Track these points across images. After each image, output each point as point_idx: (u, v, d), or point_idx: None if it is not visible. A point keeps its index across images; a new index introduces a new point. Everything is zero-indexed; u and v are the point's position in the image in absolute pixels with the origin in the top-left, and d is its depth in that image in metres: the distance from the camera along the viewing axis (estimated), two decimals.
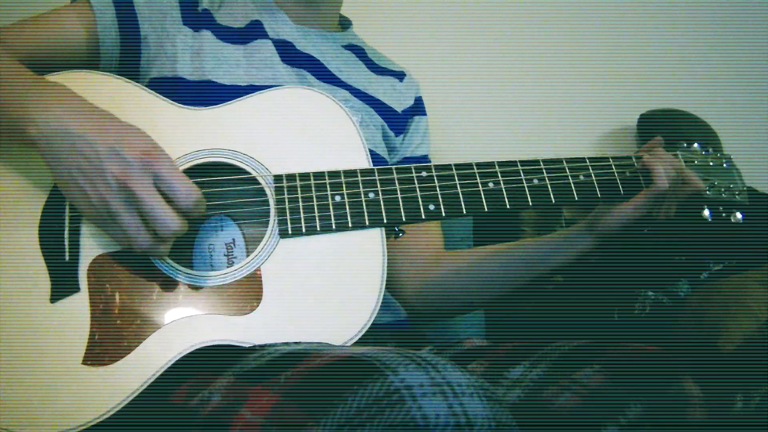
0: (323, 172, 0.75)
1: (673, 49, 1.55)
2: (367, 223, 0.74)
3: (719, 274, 1.04)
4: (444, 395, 0.48)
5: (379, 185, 0.75)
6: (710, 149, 0.87)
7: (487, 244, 0.95)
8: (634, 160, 0.82)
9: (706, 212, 0.81)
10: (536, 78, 1.50)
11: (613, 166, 0.82)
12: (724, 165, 0.85)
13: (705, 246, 1.05)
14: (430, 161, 1.07)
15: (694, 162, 0.85)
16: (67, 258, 0.70)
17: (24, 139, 0.69)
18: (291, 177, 0.75)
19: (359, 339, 0.69)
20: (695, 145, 0.86)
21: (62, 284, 0.69)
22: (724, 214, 0.81)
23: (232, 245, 0.78)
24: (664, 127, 1.39)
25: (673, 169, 0.79)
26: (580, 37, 1.53)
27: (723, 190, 0.82)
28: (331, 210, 0.73)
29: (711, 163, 0.85)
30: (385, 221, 0.74)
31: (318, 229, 0.73)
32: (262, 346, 0.67)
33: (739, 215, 0.81)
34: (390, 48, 1.15)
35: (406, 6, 1.48)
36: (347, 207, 0.74)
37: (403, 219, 0.74)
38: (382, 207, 0.74)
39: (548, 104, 1.50)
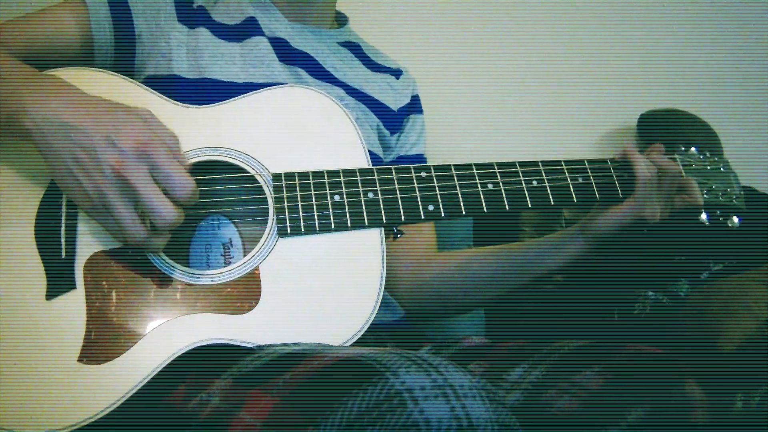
0: (322, 172, 0.75)
1: (673, 49, 1.54)
2: (366, 223, 0.73)
3: (719, 274, 1.04)
4: (446, 397, 0.47)
5: (378, 185, 0.75)
6: (707, 153, 0.87)
7: (487, 245, 0.94)
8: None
9: (704, 215, 0.81)
10: (536, 78, 1.50)
11: (612, 169, 0.82)
12: (721, 169, 0.85)
13: (705, 246, 1.05)
14: (425, 160, 1.07)
15: (691, 165, 0.85)
16: (63, 255, 0.69)
17: (20, 132, 0.68)
18: (290, 176, 0.74)
19: (358, 339, 0.69)
20: (692, 149, 0.86)
21: (58, 281, 0.68)
22: (721, 218, 0.81)
23: (229, 245, 0.78)
24: (664, 127, 1.38)
25: (653, 164, 0.79)
26: (579, 37, 1.53)
27: (720, 193, 0.82)
28: (330, 210, 0.73)
29: (708, 167, 0.85)
30: (384, 221, 0.74)
31: (317, 228, 0.72)
32: (261, 347, 0.66)
33: (736, 219, 0.81)
34: (387, 44, 1.14)
35: (404, 2, 1.47)
36: (346, 207, 0.73)
37: (403, 219, 0.74)
38: (382, 207, 0.74)
39: (548, 104, 1.49)
